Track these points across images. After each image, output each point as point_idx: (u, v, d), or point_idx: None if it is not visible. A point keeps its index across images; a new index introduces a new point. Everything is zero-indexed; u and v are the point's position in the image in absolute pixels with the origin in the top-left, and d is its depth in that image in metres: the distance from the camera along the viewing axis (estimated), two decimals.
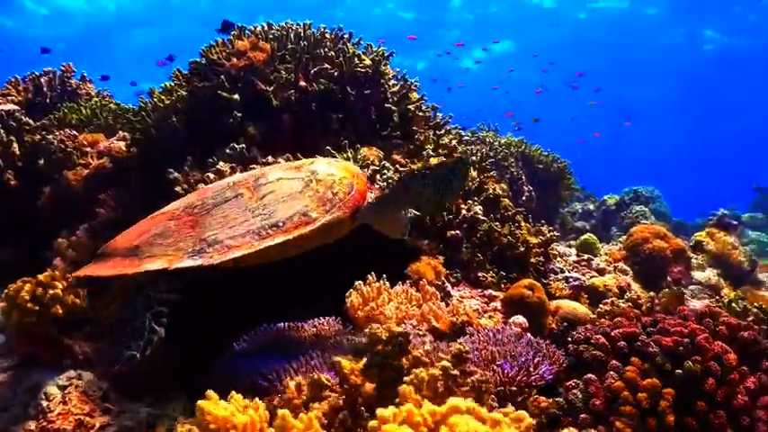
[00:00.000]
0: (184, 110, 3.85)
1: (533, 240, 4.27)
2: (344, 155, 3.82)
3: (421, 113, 4.56)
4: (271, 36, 4.14)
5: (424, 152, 4.24)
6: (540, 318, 3.42)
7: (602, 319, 3.14)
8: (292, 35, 4.17)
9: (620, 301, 3.54)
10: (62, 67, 5.41)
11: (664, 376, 2.04)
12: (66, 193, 3.99)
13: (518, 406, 2.13)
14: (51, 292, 3.14)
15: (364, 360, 1.48)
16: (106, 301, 2.59)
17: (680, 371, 2.00)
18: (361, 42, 4.48)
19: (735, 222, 8.19)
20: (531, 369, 2.10)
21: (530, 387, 2.07)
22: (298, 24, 4.30)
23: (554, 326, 3.42)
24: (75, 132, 4.19)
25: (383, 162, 3.77)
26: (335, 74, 4.16)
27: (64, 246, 3.65)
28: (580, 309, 3.52)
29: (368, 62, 4.33)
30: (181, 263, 2.12)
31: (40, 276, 3.17)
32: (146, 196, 3.90)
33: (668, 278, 5.18)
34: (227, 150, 3.56)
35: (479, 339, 2.36)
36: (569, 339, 2.45)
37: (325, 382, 1.59)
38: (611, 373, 2.11)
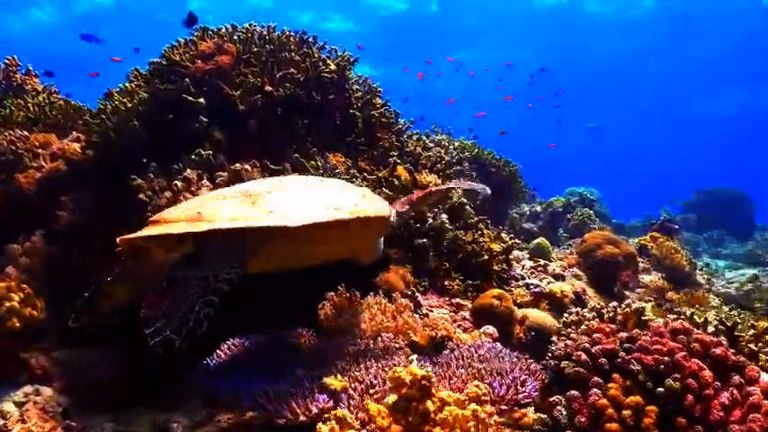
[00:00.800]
0: (145, 113, 3.71)
1: (496, 248, 4.35)
2: (314, 162, 3.78)
3: (385, 119, 4.56)
4: (235, 38, 4.05)
5: (390, 159, 4.24)
6: (508, 327, 3.49)
7: (569, 330, 3.23)
8: (257, 38, 4.09)
9: (585, 311, 3.63)
10: (6, 61, 5.10)
11: (645, 393, 2.13)
12: (17, 196, 3.78)
13: (506, 424, 2.18)
14: (7, 304, 3.00)
15: (390, 401, 1.46)
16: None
17: (661, 389, 2.09)
18: (326, 47, 4.44)
19: (676, 227, 8.58)
20: (519, 387, 2.14)
21: (518, 405, 2.12)
22: (262, 26, 4.22)
23: (522, 335, 3.50)
24: (26, 133, 3.97)
25: (352, 171, 3.76)
26: (301, 78, 4.11)
27: (17, 252, 3.46)
28: (547, 319, 3.61)
29: (333, 67, 4.30)
30: (264, 222, 2.06)
31: None
32: (103, 201, 3.75)
33: (618, 283, 5.38)
34: (194, 157, 3.47)
35: (463, 356, 2.39)
36: (549, 355, 2.52)
37: (350, 421, 1.54)
38: (595, 390, 2.17)
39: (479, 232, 4.32)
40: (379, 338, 2.74)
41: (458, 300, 3.74)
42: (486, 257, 4.13)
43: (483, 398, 1.44)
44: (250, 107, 3.84)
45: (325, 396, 1.98)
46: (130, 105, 3.61)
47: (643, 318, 3.35)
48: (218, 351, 2.83)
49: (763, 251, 11.95)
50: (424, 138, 5.10)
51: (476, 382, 1.90)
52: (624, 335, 2.42)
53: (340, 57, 4.40)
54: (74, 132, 4.22)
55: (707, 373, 2.17)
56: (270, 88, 3.90)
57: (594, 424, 2.10)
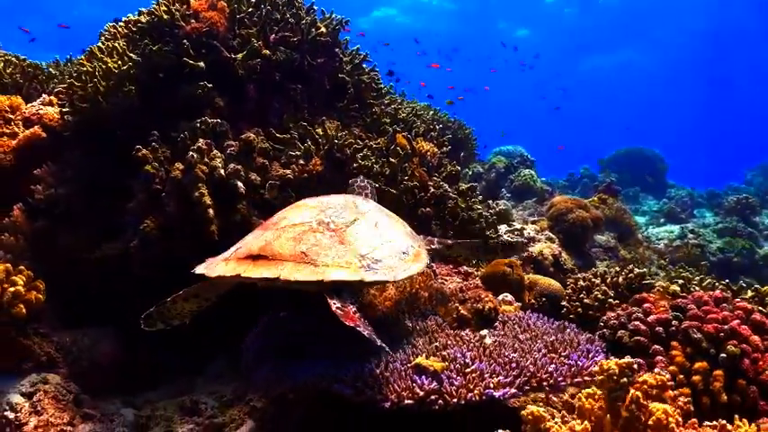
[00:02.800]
0: (137, 77, 3.42)
1: (486, 215, 4.41)
2: (320, 131, 3.65)
3: (375, 84, 4.45)
4: None
5: (383, 127, 4.17)
6: (520, 293, 3.58)
7: (582, 295, 3.37)
8: None
9: (588, 274, 3.78)
10: None
11: (707, 359, 2.26)
12: None
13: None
14: (11, 289, 2.74)
15: (599, 392, 1.44)
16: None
17: (724, 354, 2.23)
18: (314, 8, 4.24)
19: (618, 188, 9.03)
20: (590, 357, 2.21)
21: (591, 375, 2.18)
22: None
23: (533, 301, 3.60)
24: None
25: (364, 141, 3.67)
26: (296, 42, 3.92)
27: None
28: (554, 284, 3.72)
29: (323, 30, 4.12)
30: (368, 278, 2.04)
31: None
32: (90, 172, 3.47)
33: (587, 244, 5.64)
34: (199, 125, 3.24)
35: (526, 327, 2.43)
36: (601, 324, 2.61)
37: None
38: (660, 357, 2.28)
39: (473, 199, 4.36)
40: (430, 316, 2.72)
41: (465, 268, 3.78)
42: (484, 224, 4.18)
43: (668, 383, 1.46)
44: (249, 72, 3.62)
45: (425, 378, 1.96)
46: (125, 68, 3.31)
47: (645, 281, 3.55)
48: (254, 330, 2.70)
49: (680, 208, 12.82)
50: (416, 105, 5.02)
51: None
52: (672, 303, 2.54)
53: (329, 19, 4.22)
54: (44, 95, 3.84)
55: (755, 338, 2.33)
56: (267, 52, 3.69)
57: None
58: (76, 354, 3.10)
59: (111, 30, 3.80)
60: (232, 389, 3.04)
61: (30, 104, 3.70)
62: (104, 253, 3.17)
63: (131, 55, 3.43)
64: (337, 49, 4.27)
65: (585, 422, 1.36)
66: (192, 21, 3.53)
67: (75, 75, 3.40)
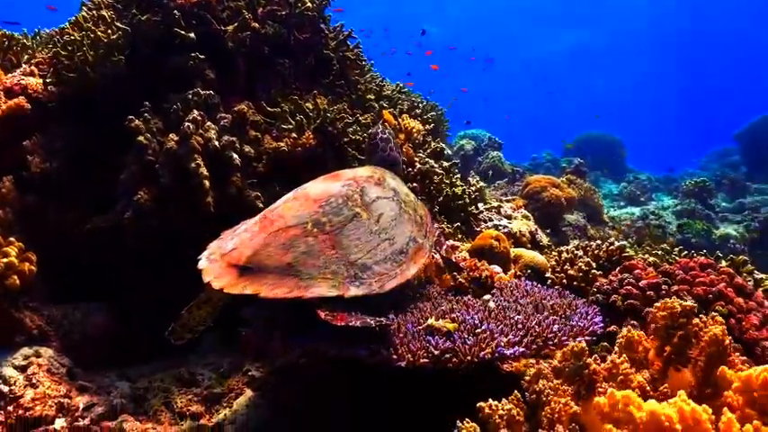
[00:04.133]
0: (125, 47, 3.36)
1: (468, 191, 4.50)
2: (309, 105, 3.66)
3: (359, 61, 4.46)
4: None
5: (368, 104, 4.20)
6: (506, 266, 3.68)
7: (566, 267, 3.48)
8: None
9: (570, 247, 3.90)
10: None
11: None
12: None
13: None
14: (4, 260, 2.69)
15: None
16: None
17: (713, 314, 2.35)
18: None
19: (585, 170, 9.25)
20: (591, 319, 2.31)
21: (594, 335, 2.28)
22: None
23: (519, 273, 3.70)
24: None
25: (356, 116, 3.69)
26: (284, 15, 3.90)
27: None
28: (538, 257, 3.83)
29: (309, 5, 4.11)
30: (350, 291, 2.05)
31: None
32: (78, 144, 3.41)
33: (559, 223, 5.79)
34: (191, 96, 3.21)
35: (526, 293, 2.52)
36: (594, 290, 2.72)
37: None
38: None
39: (455, 176, 4.44)
40: (427, 285, 2.79)
41: (451, 241, 3.86)
42: (467, 200, 4.27)
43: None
44: (238, 45, 3.60)
45: (438, 338, 2.02)
46: (114, 37, 3.24)
47: (624, 254, 3.69)
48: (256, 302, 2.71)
49: (640, 192, 13.22)
50: (401, 85, 5.03)
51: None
52: (650, 270, 2.66)
53: None
54: (23, 66, 3.72)
55: (739, 300, 2.47)
56: (257, 25, 3.67)
57: None
58: (68, 327, 3.06)
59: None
60: (228, 360, 3.05)
61: (10, 75, 3.59)
62: (96, 225, 3.12)
63: (119, 24, 3.36)
64: (323, 25, 4.26)
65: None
66: None
67: (60, 44, 3.31)
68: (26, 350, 2.83)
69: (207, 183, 2.97)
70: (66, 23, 3.78)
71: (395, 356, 1.98)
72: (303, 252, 2.09)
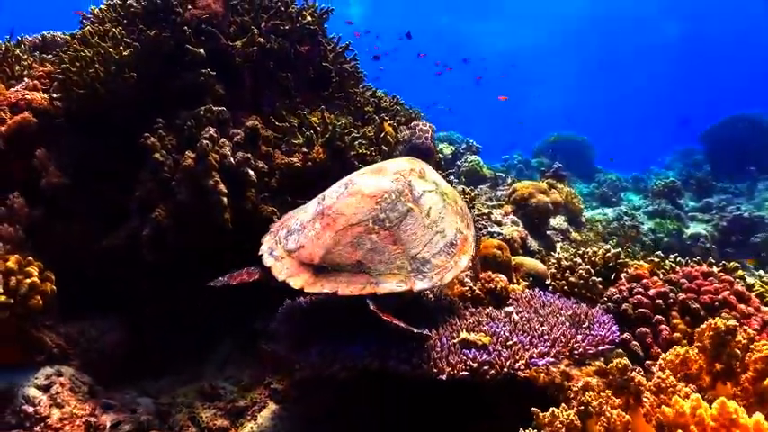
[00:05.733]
0: (135, 63, 3.37)
1: (465, 199, 4.62)
2: (315, 119, 3.72)
3: (357, 73, 4.54)
4: None
5: (367, 115, 4.27)
6: (508, 274, 3.80)
7: (567, 274, 3.62)
8: None
9: (569, 255, 4.05)
10: None
11: None
12: None
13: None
14: (28, 281, 2.69)
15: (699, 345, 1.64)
16: None
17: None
18: None
19: (565, 173, 9.46)
20: (608, 327, 2.44)
21: (613, 343, 2.41)
22: None
23: (521, 280, 3.83)
24: None
25: (360, 130, 3.76)
26: (287, 30, 3.96)
27: None
28: (539, 265, 3.97)
29: (309, 18, 4.18)
30: (417, 285, 2.15)
31: (10, 262, 2.68)
32: (87, 159, 3.41)
33: (548, 231, 5.96)
34: (204, 113, 3.25)
35: (543, 304, 2.64)
36: (605, 299, 2.85)
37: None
38: (663, 326, 2.54)
39: (451, 183, 4.55)
40: (442, 296, 2.89)
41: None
42: None
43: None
44: (245, 59, 3.64)
45: (475, 351, 2.12)
46: (126, 54, 3.26)
47: (620, 260, 3.85)
48: (278, 315, 2.78)
49: (611, 192, 13.57)
50: (398, 97, 5.10)
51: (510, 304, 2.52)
52: (659, 279, 2.81)
53: (313, 7, 4.26)
54: (25, 80, 3.70)
55: (741, 307, 2.63)
56: (262, 40, 3.72)
57: None
58: (85, 345, 3.08)
59: (98, 13, 3.71)
60: (249, 373, 3.10)
61: (13, 89, 3.56)
62: (111, 242, 3.13)
63: (127, 40, 3.38)
64: (322, 38, 4.33)
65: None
66: (191, 7, 3.51)
67: (68, 59, 3.31)
68: (47, 369, 2.84)
69: (225, 200, 3.02)
70: (69, 37, 3.78)
71: (435, 370, 2.07)
72: (369, 249, 2.18)
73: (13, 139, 3.33)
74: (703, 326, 1.71)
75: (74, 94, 3.31)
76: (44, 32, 5.32)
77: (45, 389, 2.76)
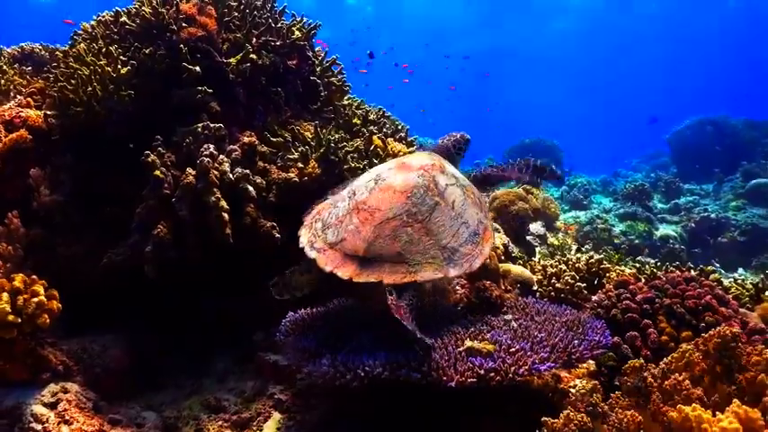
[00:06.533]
0: (131, 81, 3.42)
1: None
2: (308, 134, 3.81)
3: (345, 87, 4.64)
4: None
5: (358, 129, 4.37)
6: (497, 281, 3.93)
7: (553, 281, 3.77)
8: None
9: (554, 262, 4.21)
10: None
11: (690, 328, 2.70)
12: None
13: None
14: (35, 300, 2.72)
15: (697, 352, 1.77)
16: None
17: (704, 324, 2.67)
18: (286, 11, 4.35)
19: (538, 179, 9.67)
20: (602, 332, 2.58)
21: (606, 347, 2.55)
22: None
23: (509, 287, 3.97)
24: None
25: (350, 142, 3.85)
26: (278, 46, 4.04)
27: None
28: (525, 272, 4.10)
29: (298, 34, 4.26)
30: (450, 273, 2.39)
31: (16, 281, 2.71)
32: (83, 177, 3.44)
33: (527, 237, 6.12)
34: (202, 130, 3.32)
35: (538, 311, 2.77)
36: (595, 305, 3.00)
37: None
38: (651, 330, 2.70)
39: None
40: (438, 304, 3.00)
41: None
42: None
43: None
44: (238, 76, 3.71)
45: (481, 359, 2.23)
46: (124, 72, 3.30)
47: (602, 266, 4.02)
48: (282, 328, 2.86)
49: (582, 196, 13.89)
50: (384, 109, 5.19)
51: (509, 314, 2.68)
52: (641, 285, 2.97)
53: (301, 22, 4.34)
54: (18, 97, 3.71)
55: (724, 310, 2.80)
56: (255, 57, 3.79)
57: (656, 356, 2.63)
58: (88, 361, 3.10)
59: (89, 30, 3.75)
60: (251, 384, 3.17)
61: (7, 106, 3.57)
62: (111, 259, 3.17)
63: (123, 58, 3.42)
64: (310, 53, 4.42)
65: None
66: (186, 25, 3.56)
67: (64, 77, 3.34)
68: (53, 387, 2.87)
69: (226, 216, 3.09)
70: (59, 53, 3.81)
71: (445, 378, 2.18)
72: (407, 241, 2.39)
73: (9, 158, 3.34)
74: (711, 332, 1.86)
75: (70, 111, 3.34)
76: (22, 44, 5.32)
77: (52, 406, 2.79)
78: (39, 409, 2.75)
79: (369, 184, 2.66)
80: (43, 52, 5.43)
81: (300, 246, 2.59)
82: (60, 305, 2.85)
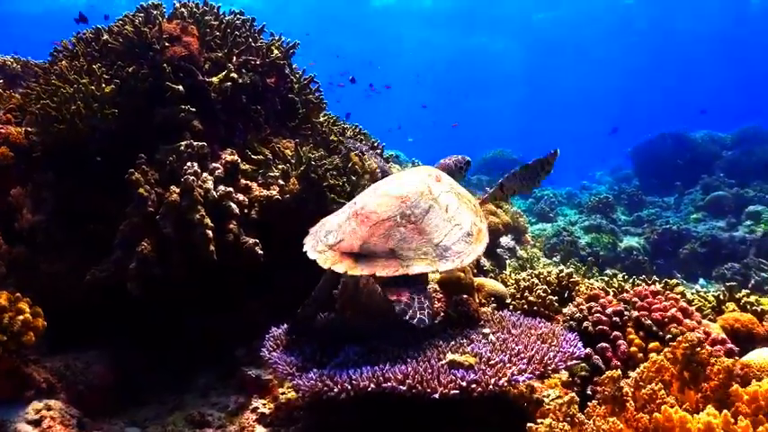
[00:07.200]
0: (115, 99, 3.46)
1: None
2: (288, 151, 3.89)
3: (323, 104, 4.74)
4: (191, 19, 3.89)
5: (335, 146, 4.47)
6: (472, 295, 4.05)
7: (526, 294, 3.91)
8: (212, 19, 3.98)
9: (526, 275, 4.36)
10: None
11: (657, 339, 2.85)
12: None
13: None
14: (21, 318, 2.75)
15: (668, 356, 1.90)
16: None
17: (669, 335, 2.83)
18: (265, 30, 4.44)
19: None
20: (575, 344, 2.71)
21: (579, 358, 2.68)
22: (208, 5, 4.10)
23: (483, 301, 4.10)
24: None
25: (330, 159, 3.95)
26: (258, 64, 4.12)
27: None
28: (498, 286, 4.23)
29: (278, 54, 4.35)
30: (441, 267, 2.60)
31: (1, 299, 2.73)
32: (66, 194, 3.46)
33: (497, 250, 6.28)
34: (185, 148, 3.37)
35: (514, 324, 2.90)
36: (568, 317, 3.14)
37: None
38: (621, 341, 2.85)
39: None
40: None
41: None
42: None
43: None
44: (219, 94, 3.78)
45: (463, 371, 2.34)
46: (108, 90, 3.34)
47: (572, 279, 4.18)
48: (267, 343, 2.93)
49: (549, 208, 14.21)
50: (359, 126, 5.30)
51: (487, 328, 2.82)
52: (611, 298, 3.13)
53: (279, 41, 4.43)
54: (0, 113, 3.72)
55: (687, 321, 2.97)
56: (236, 75, 3.87)
57: (626, 366, 2.78)
58: (71, 378, 3.12)
59: (68, 47, 3.78)
60: (234, 399, 3.21)
61: None
62: (95, 275, 3.20)
63: (106, 77, 3.46)
64: (288, 71, 4.51)
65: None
66: (170, 44, 3.62)
67: (46, 95, 3.37)
68: (36, 404, 2.88)
69: (210, 233, 3.15)
70: (39, 69, 3.83)
71: (429, 390, 2.28)
72: (400, 239, 2.59)
73: None
74: (679, 338, 2.01)
75: (53, 128, 3.36)
76: None
77: (36, 423, 2.80)
78: (23, 426, 2.76)
79: (368, 192, 2.90)
80: (15, 65, 5.41)
81: (304, 250, 2.76)
82: (45, 323, 2.87)
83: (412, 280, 2.58)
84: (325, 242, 2.71)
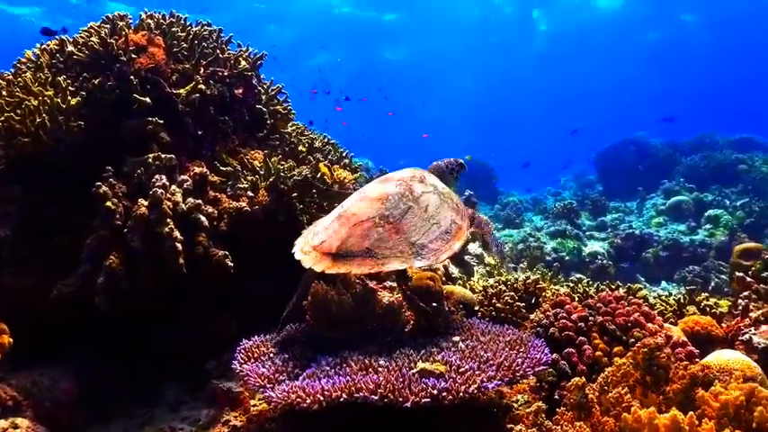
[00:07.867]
0: (80, 111, 3.43)
1: None
2: (257, 162, 3.90)
3: (291, 115, 4.76)
4: (158, 30, 3.88)
5: (303, 156, 4.49)
6: (441, 303, 4.11)
7: (494, 300, 3.99)
8: (179, 30, 3.97)
9: (493, 282, 4.43)
10: None
11: (620, 343, 2.94)
12: None
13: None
14: None
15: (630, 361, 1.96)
16: None
17: (633, 339, 2.92)
18: (232, 41, 4.44)
19: (475, 201, 10.02)
20: (542, 350, 2.78)
21: (546, 364, 2.75)
22: (175, 16, 4.09)
23: (453, 308, 4.15)
24: None
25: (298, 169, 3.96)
26: (225, 75, 4.12)
27: None
28: (467, 293, 4.30)
29: (246, 65, 4.36)
30: (415, 264, 2.70)
31: None
32: (31, 208, 3.40)
33: (465, 257, 6.36)
34: (153, 160, 3.36)
35: (484, 331, 2.95)
36: (535, 324, 3.21)
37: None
38: (586, 346, 2.93)
39: None
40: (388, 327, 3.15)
41: (389, 283, 4.23)
42: None
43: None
44: (187, 106, 3.77)
45: (434, 379, 2.38)
46: (74, 102, 3.31)
47: (539, 285, 4.27)
48: (238, 355, 2.92)
49: (515, 214, 14.41)
50: (328, 136, 5.32)
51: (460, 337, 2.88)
52: (576, 304, 3.21)
53: (246, 52, 4.44)
54: None
55: (649, 326, 3.07)
56: (203, 87, 3.86)
57: (591, 370, 2.86)
58: (38, 395, 3.07)
59: (32, 58, 3.73)
60: (205, 412, 3.20)
61: None
62: (62, 291, 3.15)
63: (72, 89, 3.43)
64: (255, 81, 4.52)
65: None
66: (136, 56, 3.60)
67: (9, 107, 3.31)
68: (2, 422, 2.82)
69: (179, 246, 3.14)
70: (2, 81, 3.76)
71: (401, 399, 2.31)
72: (377, 239, 2.70)
73: None
74: (638, 344, 2.08)
75: (17, 141, 3.31)
76: None
77: None
78: None
79: (355, 196, 3.03)
80: None
81: (292, 251, 2.87)
82: (11, 340, 2.83)
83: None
84: (311, 243, 2.83)
